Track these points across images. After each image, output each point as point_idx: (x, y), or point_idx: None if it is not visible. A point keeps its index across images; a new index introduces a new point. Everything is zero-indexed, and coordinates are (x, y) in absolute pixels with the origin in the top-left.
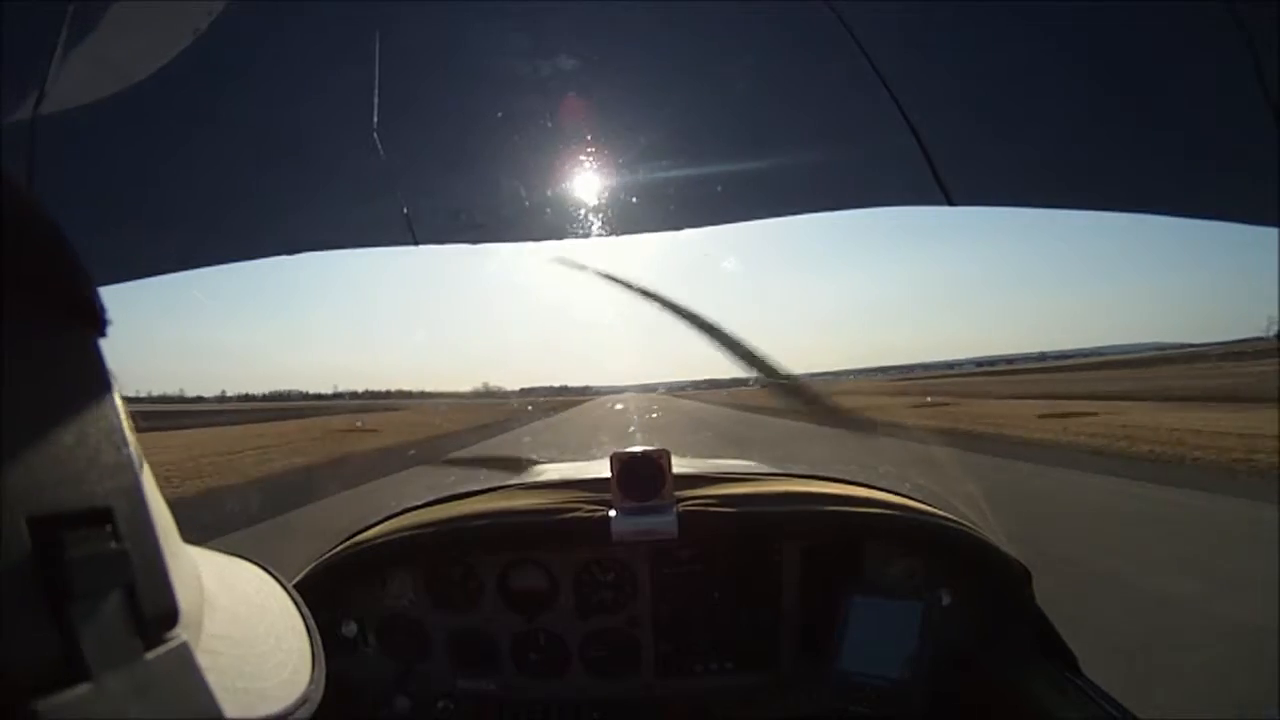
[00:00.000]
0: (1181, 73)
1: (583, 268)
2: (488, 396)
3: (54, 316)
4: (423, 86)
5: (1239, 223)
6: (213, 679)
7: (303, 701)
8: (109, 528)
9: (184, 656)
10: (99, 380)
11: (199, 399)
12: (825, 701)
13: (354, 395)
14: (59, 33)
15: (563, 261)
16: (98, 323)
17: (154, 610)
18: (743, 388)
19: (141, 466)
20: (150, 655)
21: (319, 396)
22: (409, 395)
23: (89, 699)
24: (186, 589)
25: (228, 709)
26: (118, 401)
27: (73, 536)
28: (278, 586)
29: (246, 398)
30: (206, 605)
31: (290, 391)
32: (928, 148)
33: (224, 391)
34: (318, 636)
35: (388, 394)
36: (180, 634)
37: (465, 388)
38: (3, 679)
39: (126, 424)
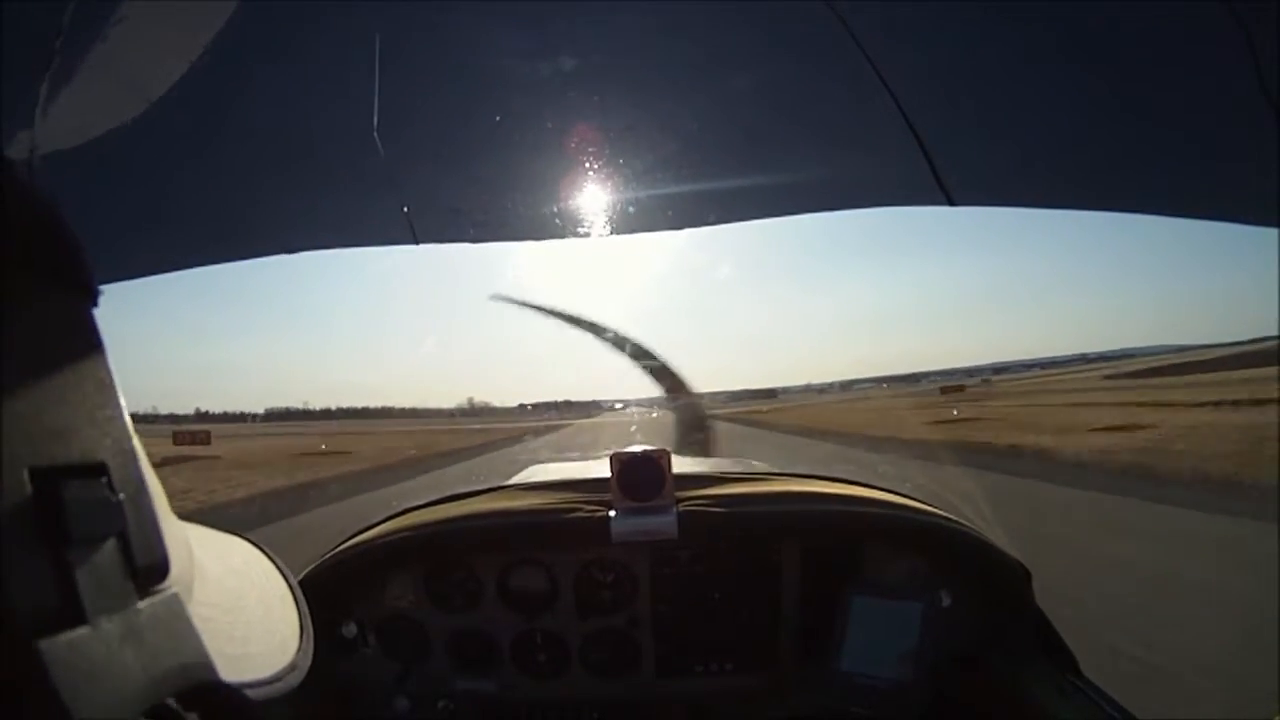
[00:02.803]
0: (1181, 73)
1: (522, 304)
2: (472, 415)
3: (48, 285)
4: (424, 86)
5: (1239, 223)
6: (203, 641)
7: (291, 668)
8: (104, 480)
9: (175, 606)
10: (92, 345)
11: (172, 416)
12: (825, 702)
13: (272, 414)
14: (60, 31)
15: (569, 260)
16: (89, 292)
17: (146, 560)
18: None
19: (133, 435)
20: (143, 603)
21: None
22: (357, 413)
23: (86, 640)
24: (178, 556)
25: (218, 672)
26: (110, 366)
27: (70, 486)
28: (267, 561)
29: (204, 416)
30: (197, 574)
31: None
32: (928, 148)
33: (198, 408)
34: (306, 608)
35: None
36: (171, 586)
37: (449, 404)
38: (6, 618)
39: (119, 389)
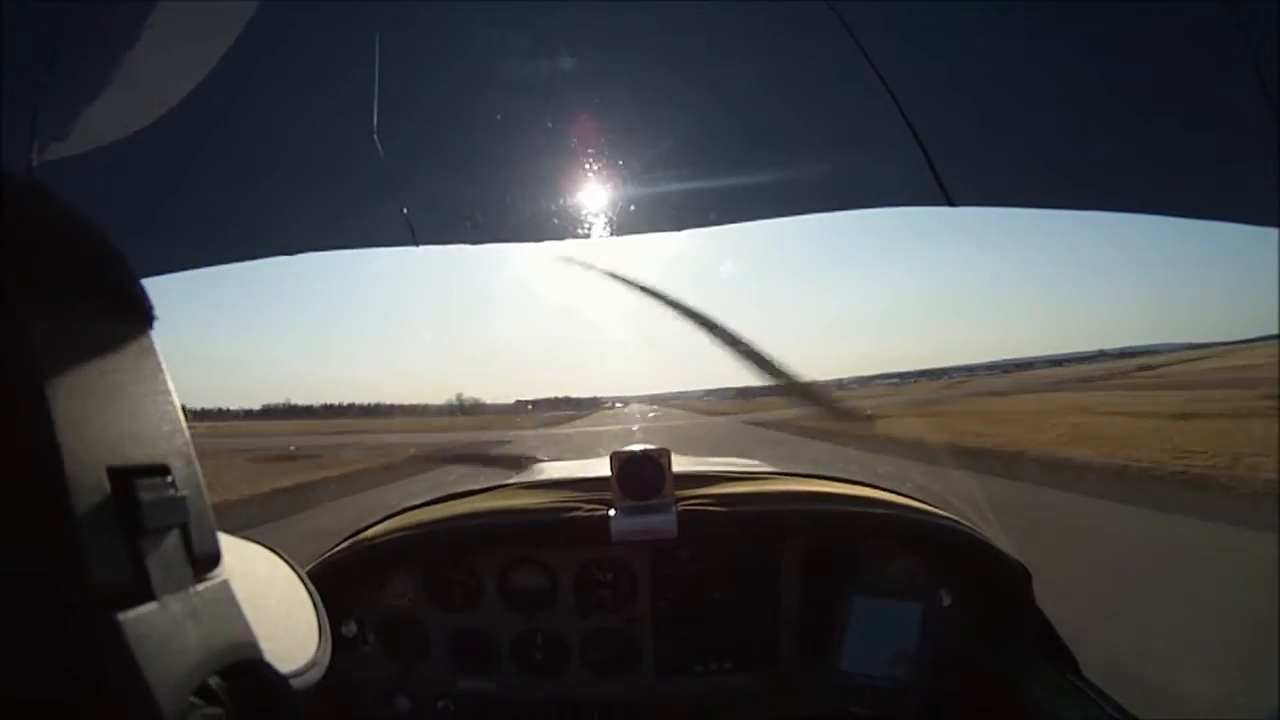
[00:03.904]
0: (1182, 73)
1: (589, 267)
2: (459, 413)
3: (115, 313)
4: (424, 87)
5: (1239, 223)
6: (249, 624)
7: (312, 664)
8: (169, 479)
9: (226, 591)
10: (154, 362)
11: None
12: (825, 701)
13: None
14: (60, 33)
15: (570, 260)
16: (147, 316)
17: (203, 549)
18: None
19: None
20: (200, 586)
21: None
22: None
23: (156, 615)
24: None
25: (262, 651)
26: (169, 381)
27: (143, 483)
28: (286, 566)
29: None
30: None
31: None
32: (928, 148)
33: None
34: (324, 611)
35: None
36: (222, 574)
37: (439, 400)
38: (89, 594)
39: (176, 400)
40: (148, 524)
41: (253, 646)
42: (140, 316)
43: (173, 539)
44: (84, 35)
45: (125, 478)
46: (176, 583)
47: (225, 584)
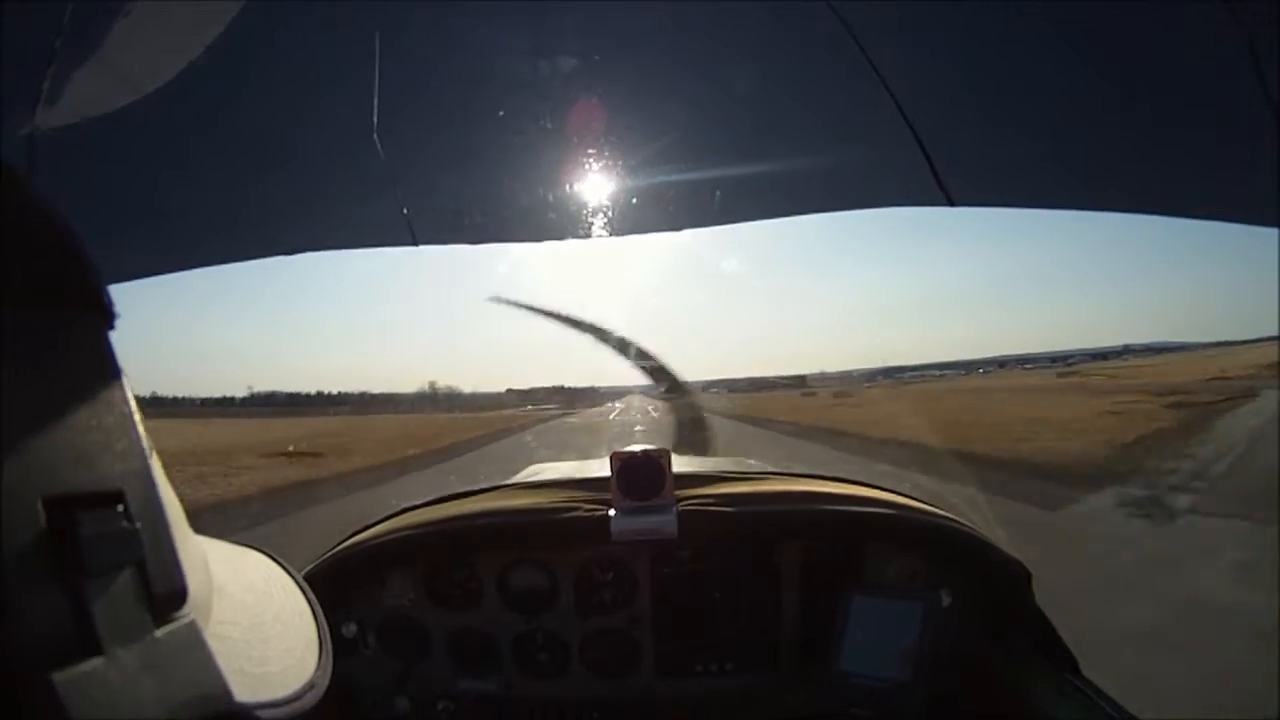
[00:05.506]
0: (1182, 73)
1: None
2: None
3: (64, 308)
4: (424, 86)
5: (1238, 223)
6: (220, 662)
7: (310, 687)
8: (121, 508)
9: (193, 634)
10: (109, 368)
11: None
12: (825, 702)
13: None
14: (60, 32)
15: (500, 300)
16: (106, 313)
17: (164, 588)
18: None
19: (151, 453)
20: (160, 632)
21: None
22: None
23: (102, 672)
24: (195, 575)
25: (235, 692)
26: (128, 389)
27: (86, 516)
28: (285, 575)
29: None
30: (215, 591)
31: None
32: (928, 148)
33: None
34: (325, 624)
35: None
36: (189, 613)
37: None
38: (19, 652)
39: (136, 411)
40: (92, 564)
41: (224, 696)
42: (95, 314)
43: (125, 579)
44: (84, 33)
45: (64, 509)
46: (129, 631)
47: (192, 625)
